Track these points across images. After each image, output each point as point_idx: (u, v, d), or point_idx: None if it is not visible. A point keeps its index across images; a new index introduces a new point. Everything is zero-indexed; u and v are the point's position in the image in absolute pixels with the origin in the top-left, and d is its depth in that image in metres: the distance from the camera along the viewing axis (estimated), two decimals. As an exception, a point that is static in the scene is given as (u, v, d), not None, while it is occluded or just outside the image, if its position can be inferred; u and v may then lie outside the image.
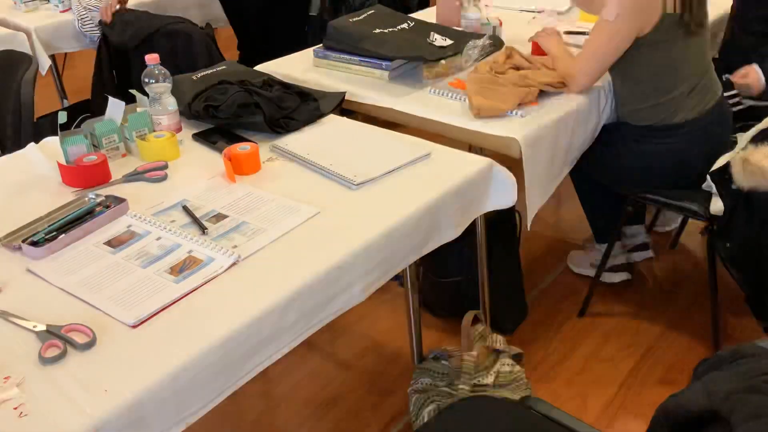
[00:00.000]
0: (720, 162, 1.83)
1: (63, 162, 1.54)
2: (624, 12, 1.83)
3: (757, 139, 1.73)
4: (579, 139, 1.97)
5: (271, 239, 1.28)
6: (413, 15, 2.47)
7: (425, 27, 2.24)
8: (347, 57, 2.12)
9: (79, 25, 2.89)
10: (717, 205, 1.87)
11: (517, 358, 1.82)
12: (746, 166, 1.66)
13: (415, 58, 2.03)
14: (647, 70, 1.92)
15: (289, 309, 1.14)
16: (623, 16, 1.83)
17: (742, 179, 1.69)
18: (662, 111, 1.96)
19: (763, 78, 2.11)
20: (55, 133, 1.63)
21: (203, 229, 1.31)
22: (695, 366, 1.01)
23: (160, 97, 1.65)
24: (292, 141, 1.67)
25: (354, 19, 2.22)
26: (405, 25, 2.23)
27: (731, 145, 1.89)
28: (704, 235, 2.05)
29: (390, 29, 2.18)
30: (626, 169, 2.06)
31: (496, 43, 2.20)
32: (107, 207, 1.37)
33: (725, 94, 2.08)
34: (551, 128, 1.81)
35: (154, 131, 1.66)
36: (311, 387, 2.06)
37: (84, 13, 2.88)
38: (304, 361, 2.15)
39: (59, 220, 1.33)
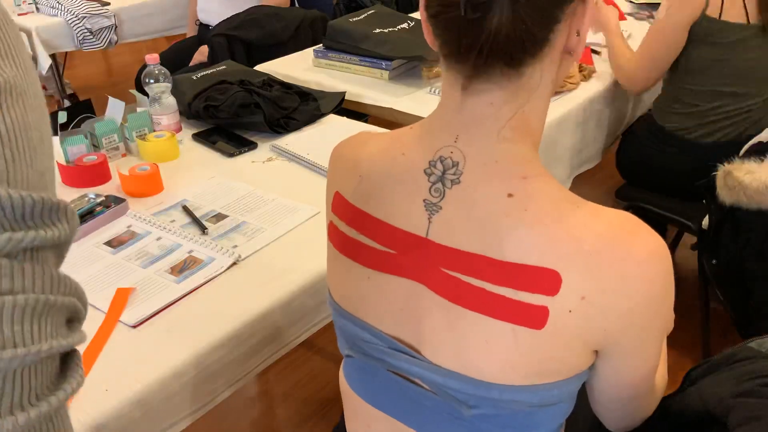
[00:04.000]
0: None
1: (63, 162, 1.54)
2: (673, 3, 1.82)
3: (748, 153, 1.62)
4: (584, 141, 1.98)
5: (271, 239, 1.28)
6: (413, 15, 2.47)
7: (425, 27, 2.24)
8: (347, 57, 2.12)
9: (79, 41, 2.90)
10: (707, 220, 1.82)
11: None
12: (728, 180, 1.56)
13: (415, 58, 2.03)
14: (692, 68, 1.89)
15: (289, 308, 1.14)
16: (672, 8, 1.83)
17: (723, 194, 1.59)
18: (689, 121, 1.95)
19: None
20: (55, 133, 1.63)
21: (203, 229, 1.31)
22: (687, 371, 1.01)
23: (160, 97, 1.65)
24: (292, 141, 1.67)
25: (354, 19, 2.22)
26: (405, 25, 2.24)
27: None
28: (694, 251, 2.00)
29: (390, 29, 2.18)
30: (635, 163, 2.08)
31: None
32: (107, 207, 1.37)
33: None
34: (550, 129, 1.81)
35: (154, 131, 1.66)
36: (311, 387, 2.06)
37: (76, 20, 2.87)
38: (304, 361, 2.15)
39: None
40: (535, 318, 0.68)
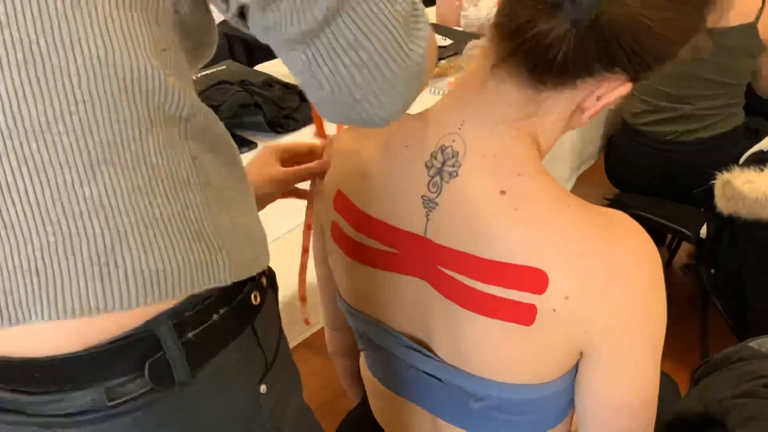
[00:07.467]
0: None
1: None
2: None
3: (748, 162, 1.58)
4: (583, 141, 1.98)
5: (271, 239, 1.27)
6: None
7: (425, 27, 2.24)
8: (347, 57, 2.12)
9: None
10: (705, 228, 1.79)
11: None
12: (726, 190, 1.52)
13: (415, 58, 2.03)
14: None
15: (289, 308, 1.14)
16: None
17: (721, 203, 1.55)
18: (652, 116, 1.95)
19: None
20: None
21: (203, 229, 1.31)
22: (693, 371, 1.01)
23: (161, 97, 1.65)
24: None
25: (354, 19, 2.22)
26: (405, 25, 2.23)
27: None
28: (691, 261, 1.96)
29: (390, 29, 2.18)
30: (619, 168, 2.08)
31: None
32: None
33: None
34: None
35: (155, 131, 1.66)
36: (311, 387, 2.06)
37: None
38: (304, 361, 2.15)
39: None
40: (524, 315, 0.69)
